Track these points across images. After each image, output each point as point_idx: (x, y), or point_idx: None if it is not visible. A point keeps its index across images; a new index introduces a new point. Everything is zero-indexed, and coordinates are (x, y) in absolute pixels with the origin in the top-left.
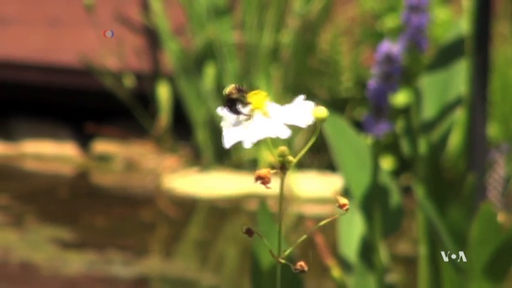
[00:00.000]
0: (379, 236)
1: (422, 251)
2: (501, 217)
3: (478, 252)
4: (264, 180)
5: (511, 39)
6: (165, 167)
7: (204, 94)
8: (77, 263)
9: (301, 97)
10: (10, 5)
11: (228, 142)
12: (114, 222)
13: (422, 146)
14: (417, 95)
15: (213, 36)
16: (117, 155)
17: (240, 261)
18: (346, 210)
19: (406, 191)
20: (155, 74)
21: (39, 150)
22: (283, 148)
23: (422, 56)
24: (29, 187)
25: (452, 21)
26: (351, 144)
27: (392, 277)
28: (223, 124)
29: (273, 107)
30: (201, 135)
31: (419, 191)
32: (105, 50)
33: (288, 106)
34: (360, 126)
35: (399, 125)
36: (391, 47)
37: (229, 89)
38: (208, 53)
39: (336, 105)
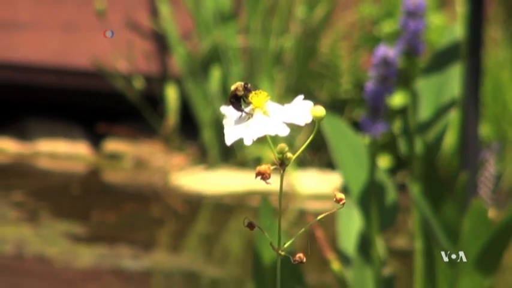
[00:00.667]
0: (376, 230)
1: (418, 245)
2: (491, 213)
3: (470, 246)
4: (264, 175)
5: (502, 43)
6: (173, 165)
7: (210, 95)
8: (88, 256)
9: (300, 97)
10: (26, 11)
11: (229, 139)
12: (124, 217)
13: (418, 145)
14: (414, 97)
15: (219, 41)
16: (127, 153)
17: (243, 255)
18: (343, 204)
19: (402, 188)
20: (163, 77)
21: (53, 149)
22: (282, 145)
23: (419, 59)
24: (43, 184)
25: (447, 27)
26: (349, 143)
27: (389, 270)
28: (225, 122)
29: (272, 106)
30: (207, 134)
31: (415, 188)
32: (116, 53)
33: (287, 105)
34: (358, 126)
35: (396, 125)
36: (388, 51)
37: (237, 85)
38: (214, 57)
39: (336, 106)
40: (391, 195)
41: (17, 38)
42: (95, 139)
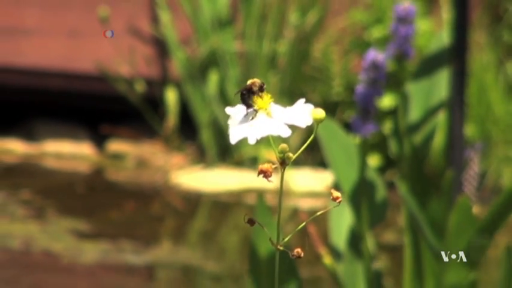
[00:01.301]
0: (366, 226)
1: (406, 240)
2: (476, 209)
3: (455, 240)
4: (266, 174)
5: (486, 47)
6: (173, 165)
7: (208, 98)
8: (92, 251)
9: (302, 100)
10: (33, 18)
11: (233, 138)
12: (127, 214)
13: (407, 145)
14: (404, 99)
15: (217, 46)
16: (129, 153)
17: (240, 250)
18: (339, 202)
19: (391, 186)
20: (164, 80)
21: (59, 150)
22: (284, 145)
23: (408, 63)
24: (49, 183)
25: (434, 32)
26: (340, 143)
27: (379, 264)
28: (229, 122)
29: (275, 108)
30: (206, 135)
31: (403, 186)
32: (118, 58)
33: (289, 108)
34: (349, 127)
35: (385, 126)
36: (377, 55)
37: (254, 81)
38: (212, 61)
39: (328, 108)
40: (381, 192)
41: (24, 43)
42: (99, 140)
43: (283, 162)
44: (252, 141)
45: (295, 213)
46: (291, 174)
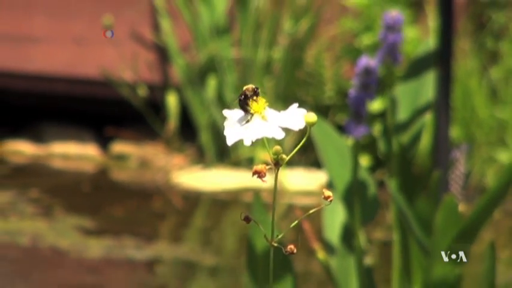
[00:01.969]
0: (358, 223)
1: (395, 236)
2: (461, 207)
3: (442, 237)
4: (260, 174)
5: (470, 53)
6: (174, 165)
7: (207, 102)
8: (96, 247)
9: (295, 105)
10: (41, 27)
11: (230, 140)
12: (129, 212)
13: (395, 146)
14: (392, 102)
15: (215, 52)
16: (132, 154)
17: (237, 245)
18: (331, 201)
19: (381, 184)
20: (165, 85)
21: (66, 151)
22: (277, 147)
23: (397, 68)
24: (56, 182)
25: (421, 39)
26: (334, 144)
27: (370, 259)
28: (226, 124)
29: (270, 112)
30: (205, 137)
31: (392, 185)
32: (122, 64)
33: (283, 112)
34: (341, 129)
35: (376, 128)
36: (369, 61)
37: (248, 86)
38: (211, 67)
39: (320, 111)
40: (372, 191)
41: (33, 51)
42: (103, 142)
43: (277, 163)
44: (247, 143)
45: (290, 210)
46: (286, 174)
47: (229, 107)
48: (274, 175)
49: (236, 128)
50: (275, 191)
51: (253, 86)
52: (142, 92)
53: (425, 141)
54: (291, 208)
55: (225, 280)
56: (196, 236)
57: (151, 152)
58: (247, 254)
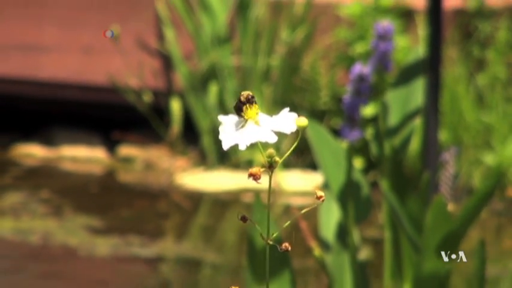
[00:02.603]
0: (352, 222)
1: (387, 235)
2: (450, 207)
3: (432, 236)
4: (255, 176)
5: (458, 61)
6: (177, 167)
7: (209, 108)
8: (104, 245)
9: (286, 109)
10: (51, 36)
11: (226, 145)
12: (135, 212)
13: (387, 148)
14: (384, 107)
15: (216, 60)
16: (138, 157)
17: (238, 243)
18: (323, 201)
19: (374, 185)
20: (169, 91)
21: (75, 154)
22: (271, 150)
23: (388, 75)
24: (66, 183)
25: (411, 48)
26: (329, 147)
27: (363, 255)
28: (221, 129)
29: (263, 117)
30: (207, 141)
31: (384, 186)
32: (128, 72)
33: (275, 116)
34: (336, 133)
35: (369, 132)
36: (363, 68)
37: (244, 93)
38: (212, 74)
39: (316, 116)
40: (365, 191)
41: (44, 59)
42: (111, 145)
43: (271, 166)
44: (242, 147)
45: (288, 209)
46: (283, 176)
47: (230, 112)
48: (269, 177)
49: (231, 133)
50: (269, 192)
51: (249, 93)
52: (147, 98)
53: (415, 144)
54: (288, 208)
55: (227, 276)
56: (198, 234)
57: (156, 154)
58: (247, 251)
